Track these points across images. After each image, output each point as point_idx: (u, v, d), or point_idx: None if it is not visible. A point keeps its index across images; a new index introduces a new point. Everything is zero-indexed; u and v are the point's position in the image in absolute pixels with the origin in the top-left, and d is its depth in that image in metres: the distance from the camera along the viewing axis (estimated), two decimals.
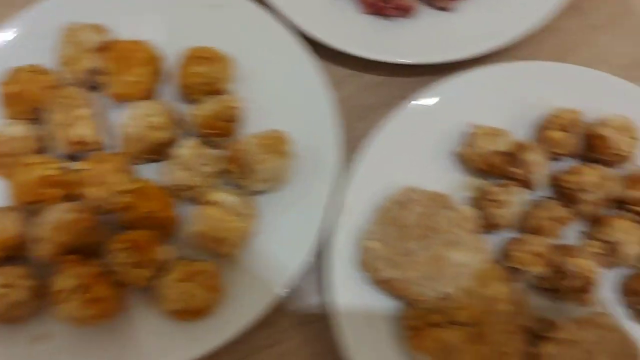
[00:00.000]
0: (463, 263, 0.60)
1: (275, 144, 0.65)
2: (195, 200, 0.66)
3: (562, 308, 0.64)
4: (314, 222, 0.66)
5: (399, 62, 0.75)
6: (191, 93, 0.70)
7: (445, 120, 0.72)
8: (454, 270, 0.60)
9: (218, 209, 0.63)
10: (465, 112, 0.71)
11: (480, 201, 0.66)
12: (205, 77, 0.69)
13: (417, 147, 0.71)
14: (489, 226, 0.65)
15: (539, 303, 0.65)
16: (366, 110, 0.77)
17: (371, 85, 0.79)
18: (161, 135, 0.67)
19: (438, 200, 0.64)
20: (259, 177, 0.64)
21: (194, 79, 0.69)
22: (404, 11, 0.76)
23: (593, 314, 0.60)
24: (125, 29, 0.74)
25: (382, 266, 0.61)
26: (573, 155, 0.70)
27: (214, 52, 0.70)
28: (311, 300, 0.69)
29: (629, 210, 0.66)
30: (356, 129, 0.75)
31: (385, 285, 0.61)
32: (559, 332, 0.58)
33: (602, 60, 0.79)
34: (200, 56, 0.70)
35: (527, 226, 0.66)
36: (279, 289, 0.64)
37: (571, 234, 0.68)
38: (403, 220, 0.62)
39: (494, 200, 0.64)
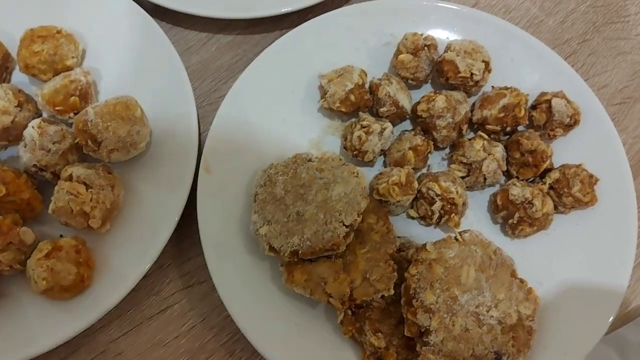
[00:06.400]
0: (347, 192, 0.60)
1: (120, 110, 0.63)
2: (57, 178, 0.64)
3: (435, 233, 0.67)
4: (183, 185, 0.66)
5: (249, 17, 0.75)
6: (35, 73, 0.69)
7: (304, 70, 0.72)
8: (343, 203, 0.60)
9: (75, 184, 0.62)
10: (324, 58, 0.72)
11: (350, 129, 0.67)
12: (45, 55, 0.68)
13: (278, 102, 0.71)
14: (358, 153, 0.66)
15: (413, 231, 0.67)
16: (228, 70, 0.77)
17: (227, 44, 0.79)
18: (5, 120, 0.64)
19: (293, 162, 0.64)
20: (107, 146, 0.62)
21: (33, 59, 0.68)
22: None
23: (456, 233, 0.62)
24: None
25: (282, 243, 0.59)
26: (428, 83, 0.72)
27: (52, 29, 0.69)
28: (192, 264, 0.69)
29: (483, 130, 0.68)
30: (217, 90, 0.75)
31: (298, 255, 0.59)
32: (419, 254, 0.59)
33: None
34: (39, 35, 0.68)
35: (392, 159, 0.67)
36: (152, 257, 0.63)
37: (437, 162, 0.70)
38: (275, 195, 0.62)
39: (363, 126, 0.65)
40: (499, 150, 0.65)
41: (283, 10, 0.75)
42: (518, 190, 0.63)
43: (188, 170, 0.66)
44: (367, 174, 0.67)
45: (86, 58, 0.73)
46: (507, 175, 0.68)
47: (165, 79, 0.71)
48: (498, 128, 0.67)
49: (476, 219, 0.68)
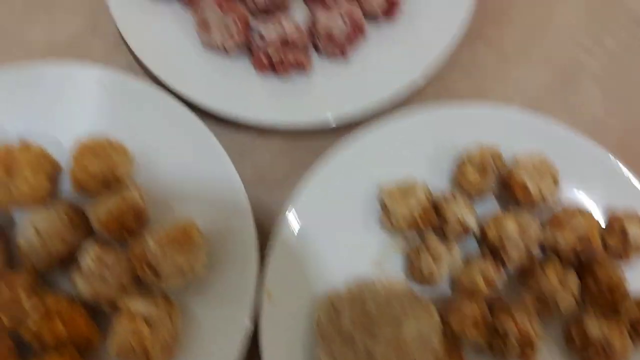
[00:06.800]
0: (420, 330, 0.58)
1: (179, 237, 0.60)
2: (115, 309, 0.61)
3: None
4: (244, 309, 0.63)
5: (305, 128, 0.72)
6: (86, 190, 0.65)
7: (362, 180, 0.69)
8: (418, 344, 0.57)
9: (134, 320, 0.59)
10: (382, 167, 0.70)
11: (416, 253, 0.64)
12: (98, 173, 0.63)
13: (337, 218, 0.68)
14: (423, 279, 0.64)
15: None
16: (282, 178, 0.74)
17: (280, 150, 0.75)
18: (61, 247, 0.61)
19: (358, 290, 0.61)
20: (167, 275, 0.59)
21: (85, 178, 0.63)
22: (300, 67, 0.72)
23: None
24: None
25: None
26: (495, 196, 0.70)
27: (103, 141, 0.65)
28: None
29: (554, 252, 0.65)
30: (274, 201, 0.72)
31: None
32: None
33: (517, 94, 0.78)
34: (90, 148, 0.64)
35: (461, 286, 0.64)
36: None
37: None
38: (341, 328, 0.59)
39: (430, 252, 0.63)
40: (573, 279, 0.63)
41: (336, 123, 0.72)
42: (597, 330, 0.61)
43: (248, 292, 0.63)
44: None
45: (135, 166, 0.70)
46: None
47: (219, 191, 0.67)
48: (572, 258, 0.64)
49: (547, 347, 0.65)
